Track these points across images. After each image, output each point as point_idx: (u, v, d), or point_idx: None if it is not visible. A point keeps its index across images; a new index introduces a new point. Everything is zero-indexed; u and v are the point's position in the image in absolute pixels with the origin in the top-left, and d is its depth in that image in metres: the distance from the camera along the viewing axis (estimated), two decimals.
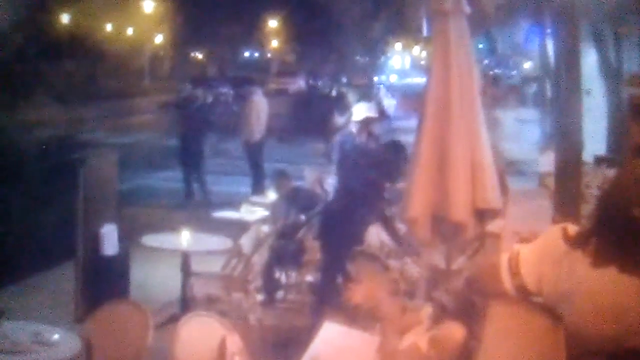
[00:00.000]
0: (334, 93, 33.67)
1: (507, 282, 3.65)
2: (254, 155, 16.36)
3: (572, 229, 3.52)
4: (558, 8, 8.06)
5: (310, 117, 25.75)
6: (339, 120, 14.66)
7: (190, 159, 16.12)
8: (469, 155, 5.89)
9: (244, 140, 16.59)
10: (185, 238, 9.12)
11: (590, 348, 3.43)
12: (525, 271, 3.59)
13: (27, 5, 28.75)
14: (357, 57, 38.26)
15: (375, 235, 9.44)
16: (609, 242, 3.31)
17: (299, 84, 44.59)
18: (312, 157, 19.43)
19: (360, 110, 10.75)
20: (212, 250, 9.59)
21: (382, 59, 47.84)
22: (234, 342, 5.74)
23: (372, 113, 10.77)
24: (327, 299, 9.25)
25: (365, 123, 10.46)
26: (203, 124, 16.53)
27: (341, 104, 18.03)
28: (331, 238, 9.64)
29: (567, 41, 8.05)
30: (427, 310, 4.91)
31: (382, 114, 31.16)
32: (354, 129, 10.68)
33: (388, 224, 9.14)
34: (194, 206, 14.85)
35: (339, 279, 8.67)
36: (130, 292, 9.32)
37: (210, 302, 8.63)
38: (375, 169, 9.46)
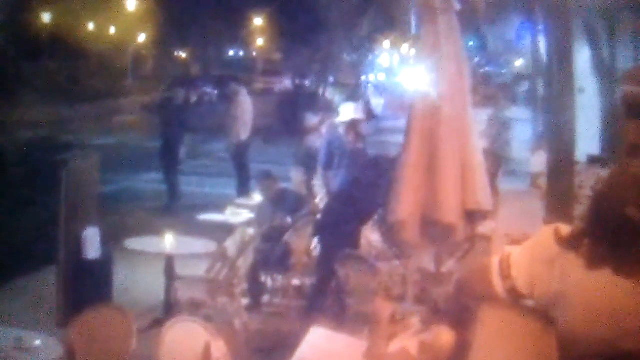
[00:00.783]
0: (321, 92, 33.72)
1: (498, 285, 3.60)
2: (240, 156, 16.28)
3: (565, 229, 3.48)
4: (550, 4, 8.00)
5: (295, 116, 25.74)
6: (310, 120, 14.47)
7: (172, 160, 16.05)
8: (458, 156, 5.84)
9: (229, 140, 16.49)
10: (169, 241, 9.04)
11: (584, 351, 3.39)
12: (516, 274, 3.54)
13: (8, 5, 28.63)
14: (345, 56, 38.29)
15: (364, 237, 9.43)
16: (602, 243, 3.26)
17: (285, 83, 44.63)
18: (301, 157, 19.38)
19: (347, 111, 10.68)
20: (196, 254, 9.54)
21: (370, 57, 47.80)
22: (219, 348, 5.71)
23: (359, 114, 10.71)
24: (317, 302, 9.24)
25: (352, 124, 10.40)
26: (184, 124, 16.44)
27: (315, 104, 17.89)
28: (324, 241, 9.64)
29: (559, 38, 8.00)
30: (417, 313, 4.85)
31: (370, 113, 31.17)
32: (340, 129, 10.61)
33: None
34: (178, 209, 14.77)
35: (330, 283, 8.66)
36: (114, 297, 9.24)
37: (194, 307, 8.61)
38: (364, 171, 9.46)
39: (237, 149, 16.27)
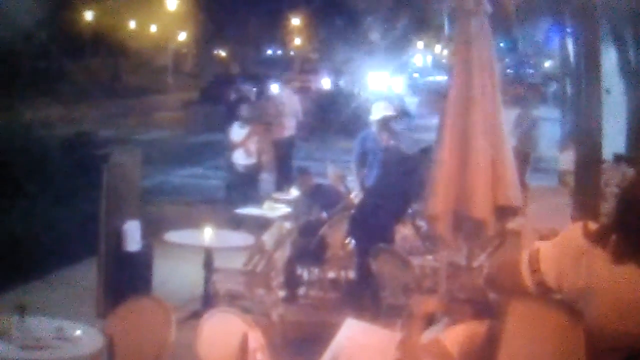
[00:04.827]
0: (356, 90, 33.72)
1: (527, 279, 3.66)
2: (281, 153, 16.29)
3: (592, 226, 3.53)
4: (578, 8, 8.07)
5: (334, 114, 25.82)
6: (236, 133, 13.51)
7: None
8: (489, 153, 5.89)
9: (271, 137, 16.48)
10: (208, 234, 9.14)
11: (611, 344, 3.43)
12: (545, 268, 3.60)
13: (51, 3, 28.91)
14: (379, 55, 38.17)
15: (397, 232, 9.51)
16: (629, 239, 3.32)
17: (322, 81, 44.57)
18: (335, 154, 19.44)
19: (379, 109, 10.74)
20: (234, 247, 9.67)
21: (405, 57, 47.75)
22: (256, 338, 5.75)
23: (390, 111, 10.75)
24: (352, 295, 9.36)
25: (384, 121, 10.47)
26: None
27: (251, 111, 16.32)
28: (358, 235, 9.76)
29: (587, 40, 8.08)
30: (449, 307, 4.92)
31: (404, 111, 31.16)
32: (373, 127, 10.69)
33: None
34: (217, 203, 14.90)
35: (365, 276, 8.76)
36: (153, 288, 9.32)
37: (232, 299, 8.68)
38: (397, 167, 9.56)
39: (279, 145, 16.29)
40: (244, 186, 13.18)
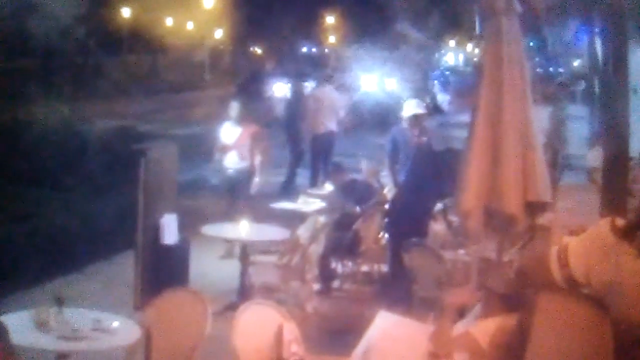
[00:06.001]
0: (389, 87, 33.69)
1: (556, 273, 3.73)
2: (318, 149, 16.33)
3: (620, 222, 3.60)
4: (607, 8, 8.10)
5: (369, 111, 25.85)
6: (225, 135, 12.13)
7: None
8: (520, 150, 5.95)
9: (308, 133, 16.52)
10: (244, 228, 9.25)
11: (637, 337, 3.50)
12: (573, 263, 3.67)
13: (89, 0, 29.10)
14: (412, 54, 38.21)
15: (429, 226, 9.58)
16: None
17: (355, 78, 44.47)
18: (370, 150, 19.46)
19: (409, 107, 10.93)
20: (270, 240, 9.73)
21: (437, 55, 47.64)
22: (291, 330, 5.82)
23: (420, 109, 10.92)
24: (385, 288, 9.44)
25: (415, 118, 10.63)
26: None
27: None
28: (391, 230, 9.84)
29: (615, 40, 8.12)
30: (479, 300, 4.97)
31: (436, 108, 31.10)
32: (404, 124, 10.86)
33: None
34: (252, 197, 14.97)
35: (398, 270, 8.83)
36: (190, 281, 9.43)
37: (267, 291, 8.76)
38: (427, 164, 9.65)
39: (316, 140, 16.32)
40: (234, 193, 11.60)
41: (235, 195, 11.52)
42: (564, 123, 16.60)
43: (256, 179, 11.50)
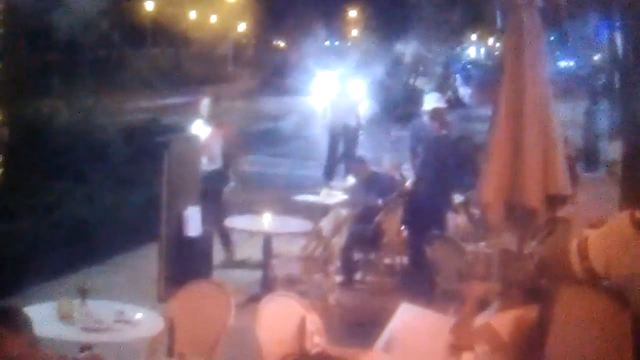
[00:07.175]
0: (412, 81, 33.67)
1: (576, 266, 3.75)
2: (341, 142, 16.36)
3: (639, 214, 3.62)
4: (627, 2, 8.09)
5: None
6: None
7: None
8: (540, 143, 5.97)
9: (331, 127, 16.54)
10: (267, 220, 9.29)
11: None
12: (593, 255, 3.69)
13: None
14: (435, 47, 38.16)
15: (451, 219, 9.61)
16: None
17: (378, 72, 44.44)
18: (392, 143, 19.48)
19: (430, 101, 10.98)
20: (293, 233, 9.81)
21: (459, 49, 47.60)
22: (314, 322, 5.84)
23: (441, 103, 10.99)
24: (407, 280, 9.49)
25: (435, 112, 10.67)
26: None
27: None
28: (413, 222, 9.88)
29: (635, 34, 8.10)
30: (500, 292, 5.00)
31: (458, 102, 31.08)
32: (425, 117, 10.92)
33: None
34: (275, 189, 15.02)
35: (419, 262, 8.87)
36: (213, 273, 9.49)
37: (290, 283, 8.76)
38: (447, 156, 9.69)
39: (339, 134, 16.35)
40: (205, 199, 9.95)
41: (207, 201, 9.90)
42: (585, 117, 16.60)
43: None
